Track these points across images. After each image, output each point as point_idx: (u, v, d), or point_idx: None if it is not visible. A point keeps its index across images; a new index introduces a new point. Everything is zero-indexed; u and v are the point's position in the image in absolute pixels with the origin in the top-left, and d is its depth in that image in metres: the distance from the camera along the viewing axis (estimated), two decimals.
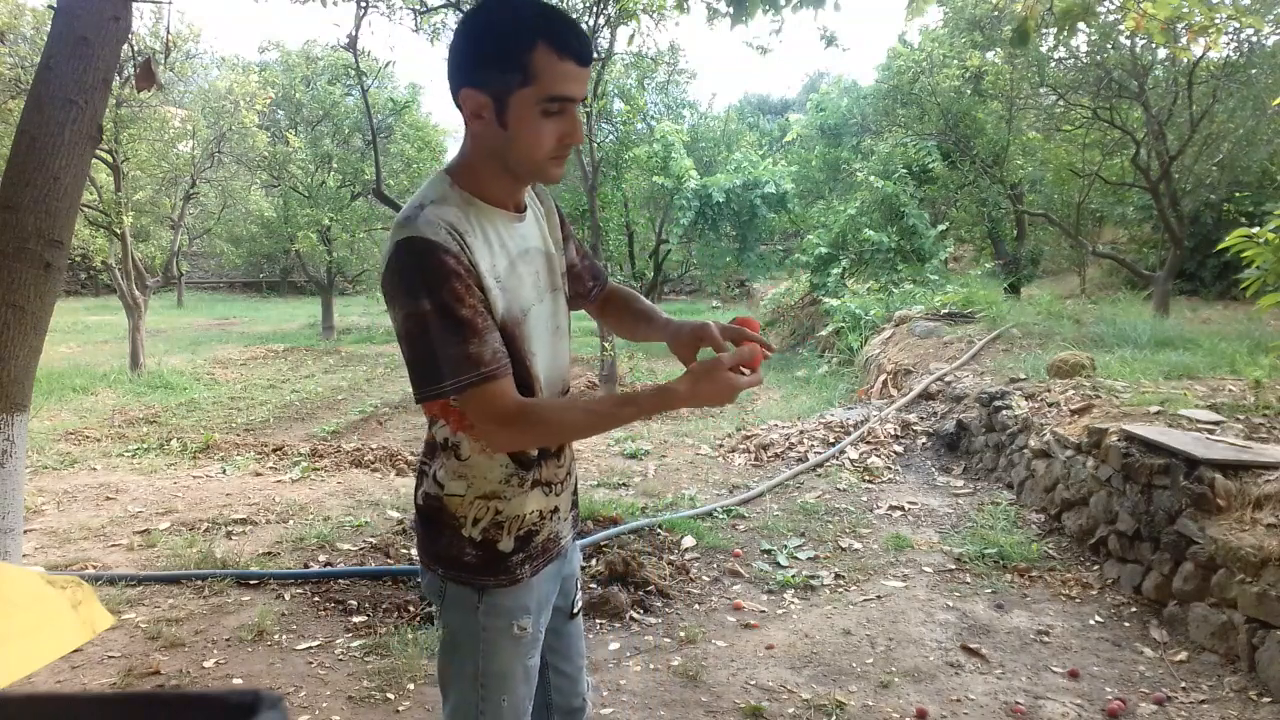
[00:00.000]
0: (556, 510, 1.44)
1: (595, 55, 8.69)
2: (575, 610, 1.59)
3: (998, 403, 5.45)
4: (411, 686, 2.80)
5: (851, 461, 5.64)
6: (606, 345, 10.40)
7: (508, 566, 1.36)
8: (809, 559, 4.04)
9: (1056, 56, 11.28)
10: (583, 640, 1.65)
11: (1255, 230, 3.86)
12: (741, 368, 1.30)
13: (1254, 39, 9.69)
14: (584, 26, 8.00)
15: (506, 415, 1.23)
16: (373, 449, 6.46)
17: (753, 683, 2.88)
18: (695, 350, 1.46)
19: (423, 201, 1.25)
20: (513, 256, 1.31)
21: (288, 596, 3.54)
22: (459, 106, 1.25)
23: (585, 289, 1.61)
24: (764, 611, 3.47)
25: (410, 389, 1.29)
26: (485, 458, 1.34)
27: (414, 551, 4.04)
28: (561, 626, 1.56)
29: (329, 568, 3.85)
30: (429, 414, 1.38)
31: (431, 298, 1.18)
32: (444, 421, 1.35)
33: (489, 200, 1.30)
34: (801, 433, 6.24)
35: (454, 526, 1.35)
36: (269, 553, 4.09)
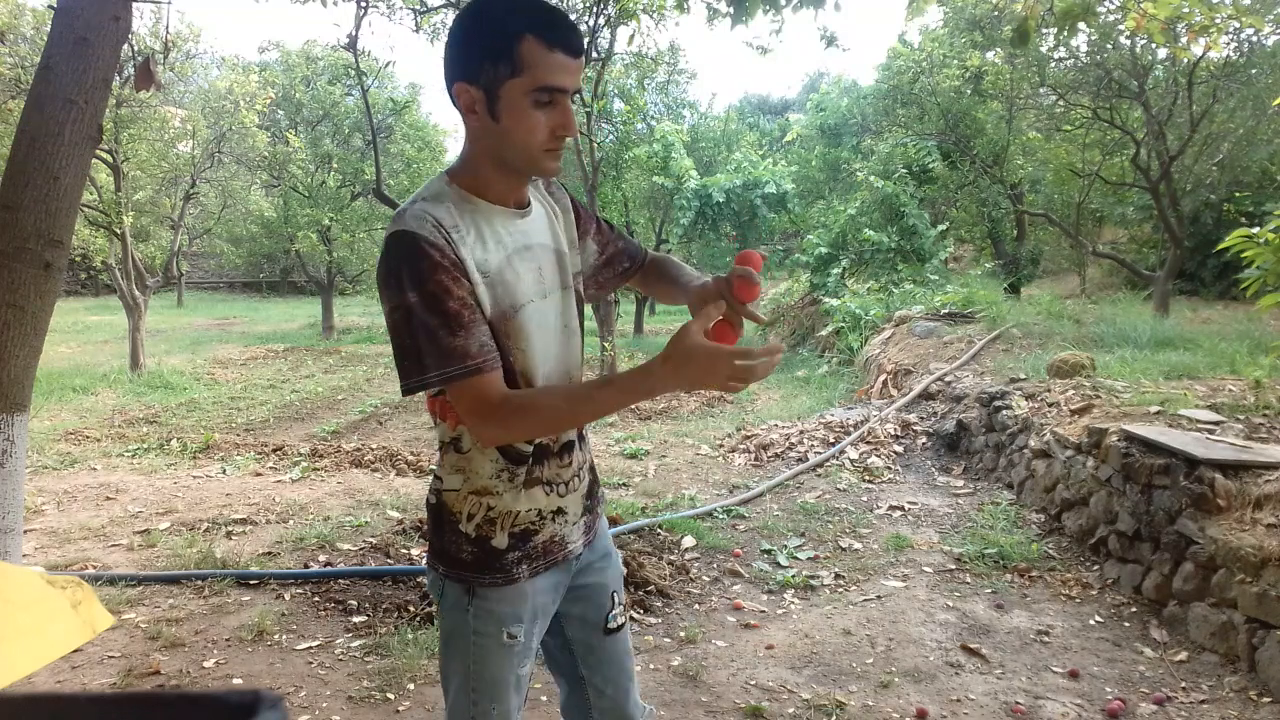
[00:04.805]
0: (561, 512, 1.40)
1: (595, 55, 8.68)
2: (610, 625, 1.52)
3: (998, 403, 5.45)
4: (411, 686, 2.80)
5: (851, 461, 5.64)
6: (606, 345, 10.40)
7: (503, 565, 1.34)
8: (809, 559, 4.04)
9: (1056, 56, 11.28)
10: (629, 660, 1.56)
11: (1255, 230, 3.86)
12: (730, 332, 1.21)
13: (1254, 39, 9.69)
14: (584, 26, 7.99)
15: (491, 408, 1.22)
16: (373, 449, 6.46)
17: (753, 683, 2.88)
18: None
19: (415, 199, 1.27)
20: (509, 252, 1.30)
21: (288, 596, 3.54)
22: (454, 101, 1.26)
23: (622, 269, 1.58)
24: (764, 611, 3.47)
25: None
26: (478, 452, 1.34)
27: (414, 552, 4.04)
28: (595, 642, 1.51)
29: (329, 568, 3.85)
30: (430, 413, 1.38)
31: (417, 290, 1.19)
32: (441, 419, 1.35)
33: (488, 197, 1.30)
34: (801, 433, 6.24)
35: (452, 522, 1.36)
36: (269, 553, 4.08)
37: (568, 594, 1.49)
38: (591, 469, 1.52)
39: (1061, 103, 11.71)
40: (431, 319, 1.20)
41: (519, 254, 1.32)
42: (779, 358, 1.18)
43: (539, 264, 1.35)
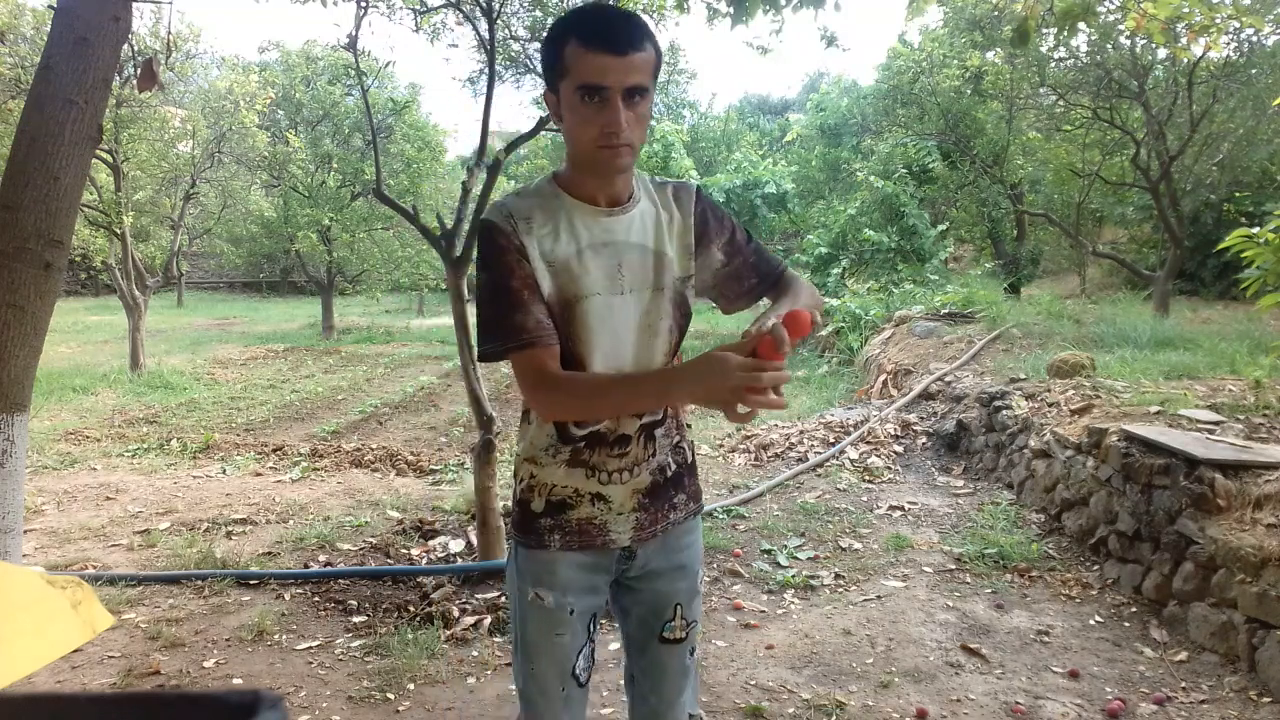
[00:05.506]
0: (602, 498, 1.43)
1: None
2: (666, 635, 1.53)
3: (998, 403, 5.45)
4: (411, 686, 2.80)
5: (851, 461, 5.64)
6: None
7: (536, 529, 1.45)
8: (809, 559, 4.04)
9: (1056, 56, 11.27)
10: (682, 678, 1.56)
11: (1255, 230, 3.86)
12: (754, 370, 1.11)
13: (1254, 39, 9.69)
14: None
15: (536, 380, 1.34)
16: (373, 449, 6.46)
17: (753, 683, 2.88)
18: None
19: (510, 192, 1.43)
20: (582, 245, 1.37)
21: (288, 596, 3.54)
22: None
23: (749, 285, 1.52)
24: (764, 611, 3.47)
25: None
26: (538, 426, 1.45)
27: (414, 552, 4.04)
28: (649, 646, 1.54)
29: (329, 568, 3.85)
30: None
31: (489, 271, 1.36)
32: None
33: (576, 194, 1.40)
34: (801, 433, 6.24)
35: (515, 484, 1.50)
36: (269, 553, 4.09)
37: (630, 592, 1.53)
38: (667, 473, 1.49)
39: (1061, 103, 11.71)
40: (498, 297, 1.34)
41: (594, 249, 1.38)
42: (786, 374, 1.14)
43: (619, 261, 1.39)
